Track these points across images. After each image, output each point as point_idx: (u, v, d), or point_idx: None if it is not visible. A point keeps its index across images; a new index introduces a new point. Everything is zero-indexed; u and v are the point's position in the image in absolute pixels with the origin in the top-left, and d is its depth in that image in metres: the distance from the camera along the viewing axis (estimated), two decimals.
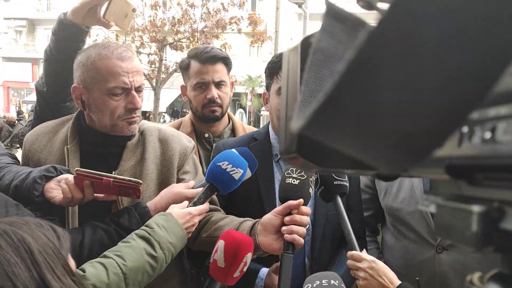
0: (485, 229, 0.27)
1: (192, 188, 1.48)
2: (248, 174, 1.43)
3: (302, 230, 1.34)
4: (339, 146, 0.28)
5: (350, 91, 0.24)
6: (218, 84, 2.01)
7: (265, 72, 1.72)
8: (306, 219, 1.36)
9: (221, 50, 2.07)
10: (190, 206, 1.39)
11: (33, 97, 26.24)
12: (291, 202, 1.35)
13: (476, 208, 0.28)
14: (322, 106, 0.24)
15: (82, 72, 1.44)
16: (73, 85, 1.49)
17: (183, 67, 2.07)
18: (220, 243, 1.24)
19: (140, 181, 1.33)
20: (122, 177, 1.36)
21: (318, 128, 0.26)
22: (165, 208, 1.40)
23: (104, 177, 1.31)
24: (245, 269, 1.25)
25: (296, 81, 0.39)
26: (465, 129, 0.29)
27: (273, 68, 1.63)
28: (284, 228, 1.35)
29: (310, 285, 1.10)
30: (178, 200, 1.43)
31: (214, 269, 1.23)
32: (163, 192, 1.46)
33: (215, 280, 1.24)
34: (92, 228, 1.33)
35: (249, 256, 1.25)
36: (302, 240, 1.33)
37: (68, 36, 1.63)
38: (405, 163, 0.27)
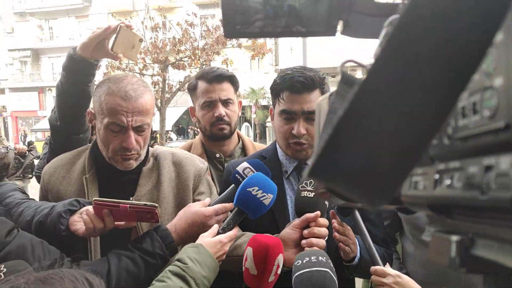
0: (460, 255, 0.33)
1: (208, 206, 1.48)
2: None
3: (322, 242, 1.34)
4: (333, 187, 0.32)
5: (337, 143, 0.29)
6: (225, 102, 2.03)
7: (270, 91, 1.74)
8: (325, 231, 1.36)
9: (227, 70, 2.10)
10: (220, 232, 1.38)
11: (41, 125, 26.54)
12: (308, 215, 1.35)
13: (454, 238, 0.34)
14: (318, 156, 0.30)
15: (94, 101, 1.51)
16: (88, 109, 1.55)
17: (191, 88, 2.11)
18: (249, 251, 1.23)
19: (156, 205, 1.34)
20: (138, 202, 1.38)
21: (318, 174, 0.31)
22: (185, 228, 1.42)
23: (121, 204, 1.33)
24: (279, 272, 1.25)
25: None
26: (436, 176, 0.35)
27: (276, 90, 1.65)
28: (303, 241, 1.35)
29: (300, 261, 1.12)
30: (196, 218, 1.44)
31: (248, 278, 1.23)
32: (181, 213, 1.48)
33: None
34: (117, 257, 1.34)
35: (280, 258, 1.24)
36: None
37: (78, 70, 1.67)
38: (376, 201, 0.31)
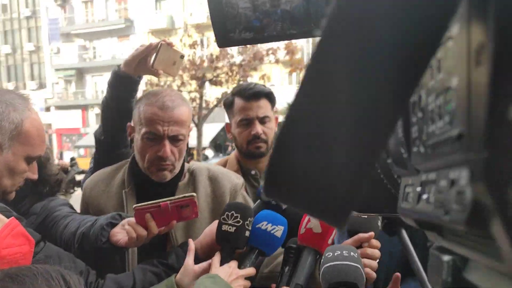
0: (452, 277, 0.31)
1: None
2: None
3: (374, 264, 1.31)
4: (291, 204, 0.31)
5: (281, 156, 0.28)
6: (263, 120, 2.00)
7: None
8: (378, 253, 1.33)
9: (264, 86, 2.09)
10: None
11: (83, 142, 27.59)
12: (362, 235, 1.32)
13: (445, 258, 0.32)
14: (268, 172, 0.29)
15: (134, 114, 1.57)
16: (128, 123, 1.62)
17: (227, 105, 2.10)
18: None
19: (194, 194, 1.37)
20: (175, 197, 1.40)
21: (272, 192, 0.30)
22: (210, 245, 1.41)
23: (161, 203, 1.35)
24: (329, 241, 1.29)
25: None
26: (419, 188, 0.32)
27: None
28: None
29: (331, 253, 1.12)
30: None
31: (308, 237, 1.28)
32: (207, 230, 1.47)
33: (311, 248, 1.28)
34: (142, 272, 1.36)
35: (335, 231, 1.29)
36: (374, 274, 1.28)
37: (121, 86, 1.73)
38: (337, 219, 0.30)
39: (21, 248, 0.96)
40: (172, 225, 1.38)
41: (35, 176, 1.45)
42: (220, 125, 26.70)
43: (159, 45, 1.68)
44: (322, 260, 1.14)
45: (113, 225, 1.40)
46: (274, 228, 1.33)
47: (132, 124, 1.60)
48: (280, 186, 0.29)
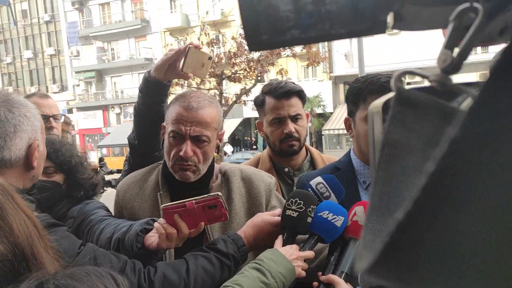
0: None
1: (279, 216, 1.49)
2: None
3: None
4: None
5: (425, 219, 0.20)
6: (295, 118, 2.02)
7: (347, 98, 1.68)
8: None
9: (294, 83, 2.09)
10: None
11: (105, 141, 27.98)
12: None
13: None
14: (390, 243, 0.21)
15: (165, 113, 1.60)
16: (163, 123, 1.63)
17: (258, 104, 2.11)
18: (358, 208, 1.37)
19: (219, 193, 1.35)
20: (200, 196, 1.38)
21: (387, 271, 0.22)
22: (253, 235, 1.44)
23: (186, 203, 1.35)
24: None
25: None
26: None
27: (359, 95, 1.58)
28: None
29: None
30: (265, 227, 1.46)
31: (354, 229, 1.35)
32: (249, 222, 1.49)
33: (357, 239, 1.34)
34: (194, 256, 1.37)
35: None
36: None
37: (152, 91, 1.76)
38: None
39: None
40: (200, 227, 1.37)
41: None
42: (238, 120, 26.80)
43: (187, 48, 1.68)
44: None
45: (147, 230, 1.40)
46: (334, 218, 1.38)
47: (164, 124, 1.62)
48: (403, 265, 0.22)
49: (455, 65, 0.29)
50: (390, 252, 0.22)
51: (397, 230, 0.20)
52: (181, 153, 1.48)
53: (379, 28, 0.35)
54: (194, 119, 1.48)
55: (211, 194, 1.37)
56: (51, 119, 2.38)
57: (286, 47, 12.37)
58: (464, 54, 0.29)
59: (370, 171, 0.42)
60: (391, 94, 0.35)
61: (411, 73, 0.33)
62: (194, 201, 1.34)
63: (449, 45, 0.30)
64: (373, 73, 1.61)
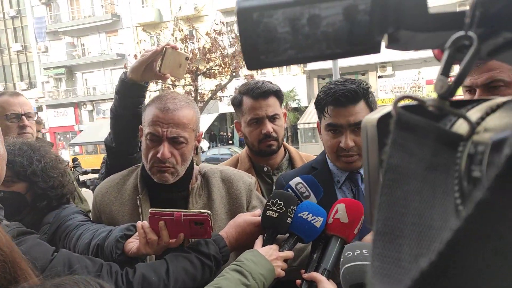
0: None
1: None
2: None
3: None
4: None
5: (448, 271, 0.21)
6: (272, 118, 2.02)
7: (315, 106, 1.74)
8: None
9: (271, 83, 2.09)
10: None
11: (78, 139, 27.43)
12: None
13: None
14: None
15: (142, 116, 1.58)
16: (140, 125, 1.61)
17: (236, 104, 2.10)
18: (340, 206, 1.39)
19: (209, 212, 1.34)
20: (191, 210, 1.40)
21: None
22: (235, 236, 1.45)
23: (175, 213, 1.34)
24: (355, 232, 1.37)
25: (375, 163, 0.38)
26: None
27: (320, 105, 1.66)
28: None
29: (351, 253, 1.14)
30: (247, 227, 1.47)
31: (336, 227, 1.37)
32: (231, 222, 1.50)
33: (338, 237, 1.36)
34: (175, 257, 1.36)
35: (361, 222, 1.36)
36: None
37: (129, 93, 1.73)
38: None
39: None
40: (180, 238, 1.36)
41: None
42: (214, 116, 26.70)
43: (164, 49, 1.67)
44: (341, 260, 1.16)
45: (127, 236, 1.38)
46: (314, 219, 1.41)
47: (141, 126, 1.61)
48: None
49: (451, 91, 0.30)
50: None
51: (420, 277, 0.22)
52: (159, 155, 1.47)
53: (374, 48, 0.37)
54: (171, 121, 1.47)
55: (201, 211, 1.36)
56: (24, 117, 2.30)
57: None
58: (460, 81, 0.29)
59: (365, 187, 0.42)
60: (386, 109, 0.37)
61: (410, 97, 0.33)
62: (182, 213, 1.34)
63: (445, 72, 0.30)
64: (340, 79, 1.68)
